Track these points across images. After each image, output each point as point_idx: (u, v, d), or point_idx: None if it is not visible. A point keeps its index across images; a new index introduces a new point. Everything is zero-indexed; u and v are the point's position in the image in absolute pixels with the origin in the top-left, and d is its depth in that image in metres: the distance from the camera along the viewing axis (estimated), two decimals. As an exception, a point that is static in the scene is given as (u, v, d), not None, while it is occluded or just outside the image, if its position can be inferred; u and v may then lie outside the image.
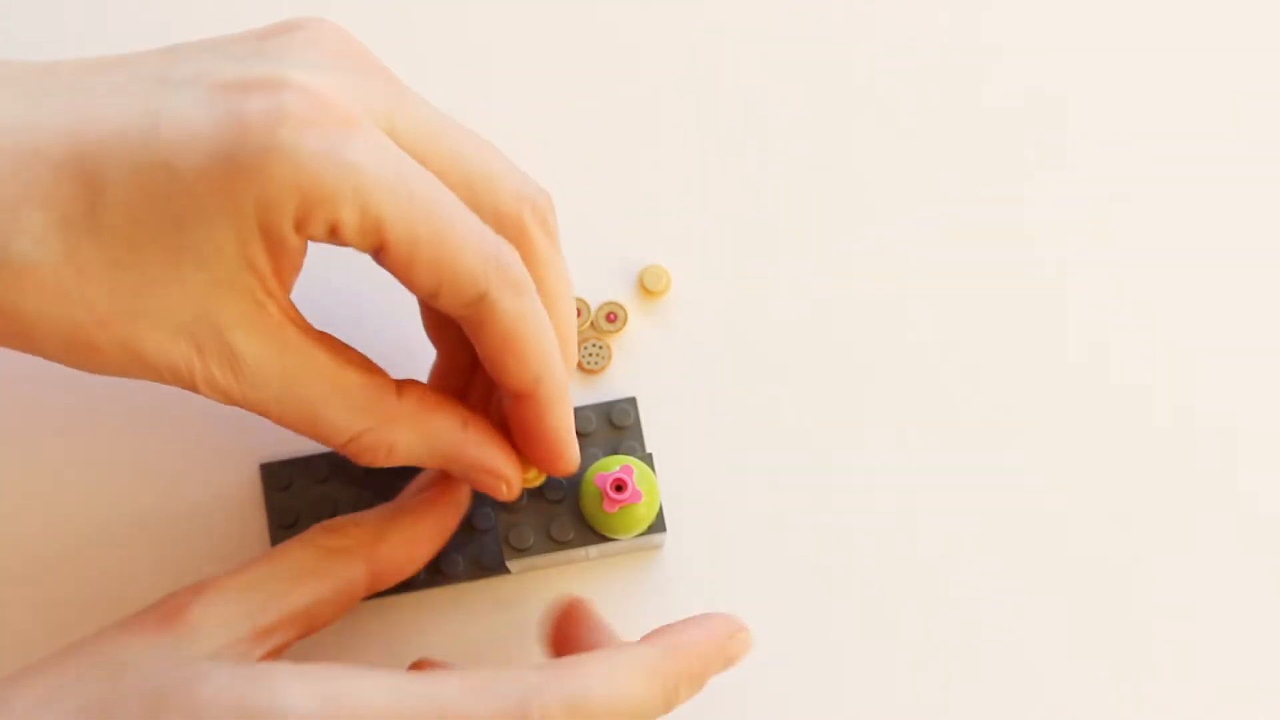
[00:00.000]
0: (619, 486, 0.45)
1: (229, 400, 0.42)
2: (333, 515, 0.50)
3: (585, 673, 0.41)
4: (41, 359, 0.42)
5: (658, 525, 0.46)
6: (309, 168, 0.39)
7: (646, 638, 0.43)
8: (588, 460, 0.49)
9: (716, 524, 0.51)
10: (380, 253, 0.41)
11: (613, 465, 0.45)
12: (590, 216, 0.53)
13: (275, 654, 0.44)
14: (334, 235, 0.40)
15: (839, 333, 0.53)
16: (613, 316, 0.52)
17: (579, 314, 0.52)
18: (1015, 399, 0.52)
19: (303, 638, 0.44)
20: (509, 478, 0.45)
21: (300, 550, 0.45)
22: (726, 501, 0.52)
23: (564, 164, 0.53)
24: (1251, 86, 0.55)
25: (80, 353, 0.41)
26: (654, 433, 0.52)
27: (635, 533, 0.46)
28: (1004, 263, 0.53)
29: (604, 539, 0.46)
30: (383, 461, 0.44)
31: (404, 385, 0.44)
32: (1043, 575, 0.51)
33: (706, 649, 0.43)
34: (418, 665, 0.47)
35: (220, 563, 0.50)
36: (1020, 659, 0.51)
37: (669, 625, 0.44)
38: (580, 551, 0.47)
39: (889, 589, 0.51)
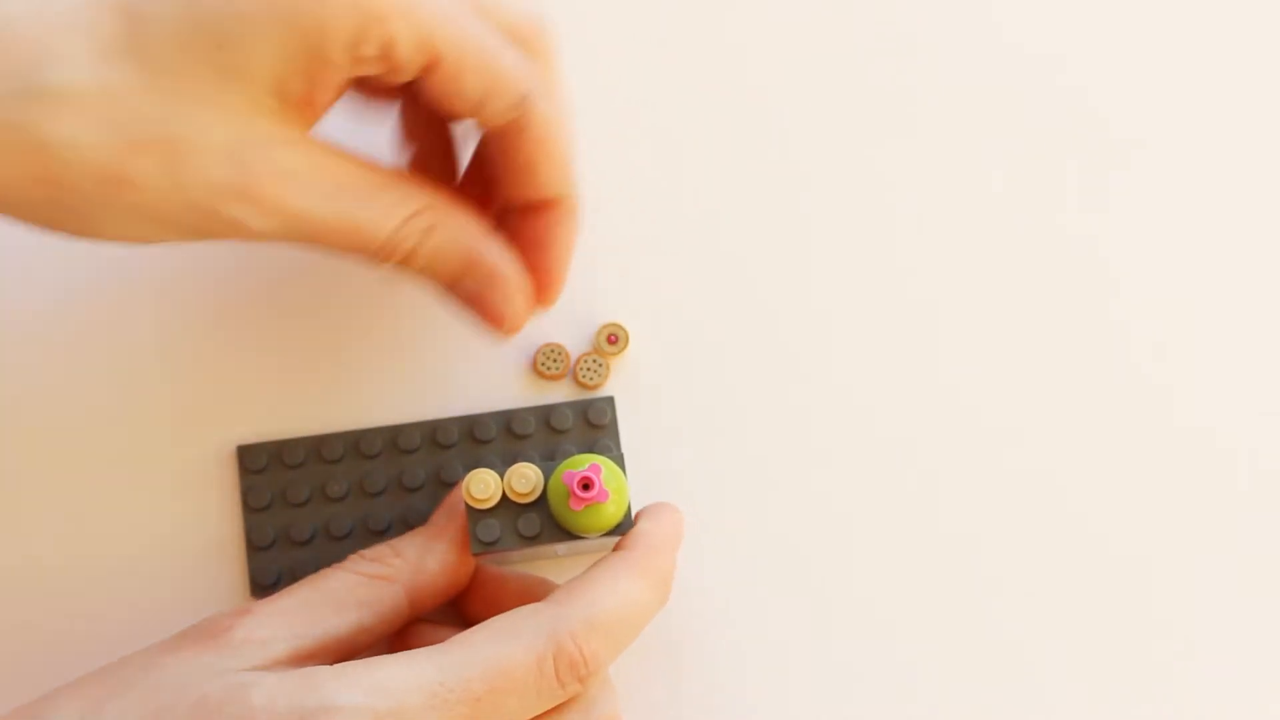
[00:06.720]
0: (586, 485, 0.45)
1: (266, 226, 0.42)
2: (305, 501, 0.50)
3: (592, 590, 0.43)
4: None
5: (625, 524, 0.46)
6: None
7: (619, 545, 0.46)
8: (560, 457, 0.49)
9: (694, 527, 0.51)
10: (432, 68, 0.42)
11: (581, 464, 0.45)
12: (595, 230, 0.53)
13: None
14: (386, 55, 0.42)
15: (836, 352, 0.53)
16: (614, 338, 0.52)
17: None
18: (1008, 417, 0.52)
19: (339, 663, 0.45)
20: (521, 293, 0.46)
21: (341, 577, 0.46)
22: (709, 506, 0.51)
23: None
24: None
25: (114, 187, 0.41)
26: (655, 443, 0.52)
27: (602, 531, 0.46)
28: (1000, 284, 0.53)
29: (571, 536, 0.46)
30: (420, 260, 0.44)
31: (436, 186, 0.45)
32: (1039, 581, 0.51)
33: (672, 538, 0.46)
34: (408, 630, 0.48)
35: (193, 544, 0.51)
36: (1015, 665, 0.50)
37: (634, 533, 0.46)
38: (550, 548, 0.47)
39: (856, 599, 0.51)
